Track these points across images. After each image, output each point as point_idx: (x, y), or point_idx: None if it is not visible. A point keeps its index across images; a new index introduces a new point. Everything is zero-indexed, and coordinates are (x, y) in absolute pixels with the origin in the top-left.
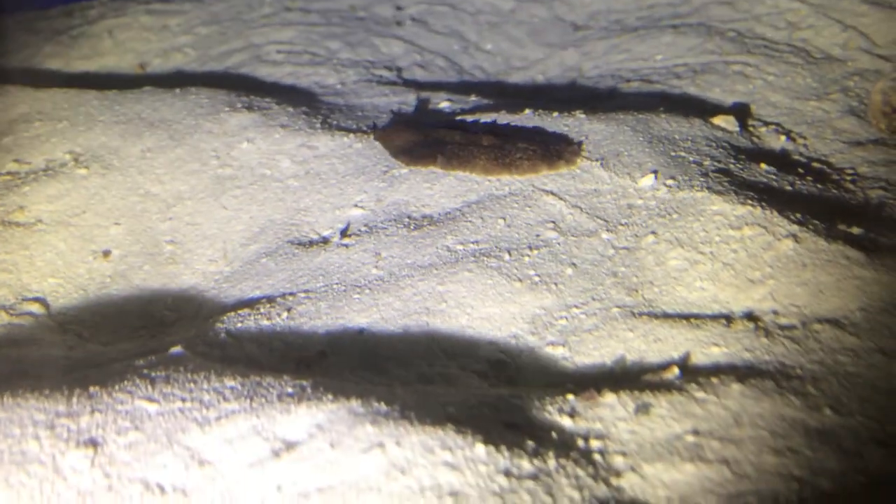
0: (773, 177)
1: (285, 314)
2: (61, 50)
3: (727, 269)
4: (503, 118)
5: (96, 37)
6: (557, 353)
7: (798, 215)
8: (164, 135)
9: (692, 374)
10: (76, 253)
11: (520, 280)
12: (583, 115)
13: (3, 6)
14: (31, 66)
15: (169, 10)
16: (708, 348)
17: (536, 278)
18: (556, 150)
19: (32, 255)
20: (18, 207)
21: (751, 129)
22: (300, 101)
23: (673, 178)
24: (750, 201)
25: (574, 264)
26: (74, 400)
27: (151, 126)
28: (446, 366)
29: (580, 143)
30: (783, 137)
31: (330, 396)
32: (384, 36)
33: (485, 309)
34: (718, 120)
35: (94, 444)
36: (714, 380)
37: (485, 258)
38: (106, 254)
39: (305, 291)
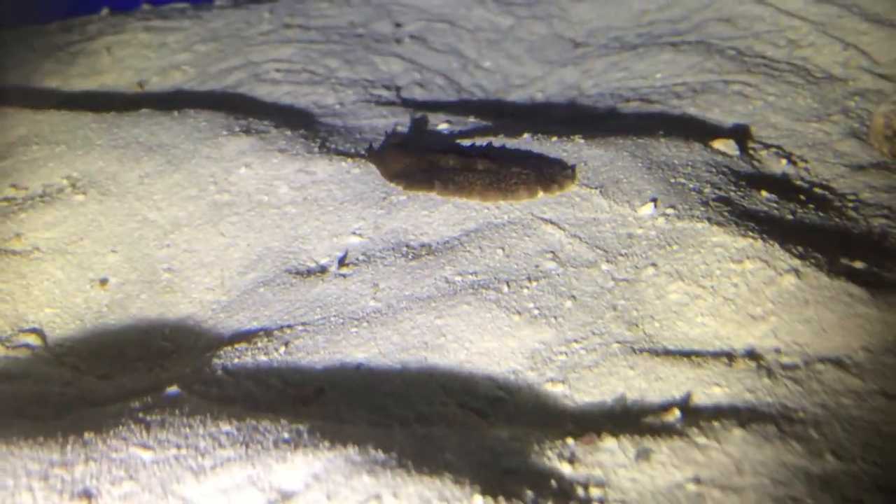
0: (775, 205)
1: (283, 349)
2: (60, 67)
3: (728, 304)
4: (500, 142)
5: (95, 54)
6: (557, 390)
7: (800, 248)
8: (161, 160)
9: (694, 416)
10: (73, 281)
11: (518, 313)
12: (581, 141)
13: (2, 21)
14: (29, 85)
15: (167, 27)
16: (709, 388)
17: (536, 311)
18: (549, 173)
19: (29, 285)
20: (15, 235)
21: (751, 152)
22: (298, 122)
23: (673, 206)
24: (751, 233)
25: (574, 297)
26: (69, 448)
27: (149, 151)
28: (445, 404)
29: (574, 168)
30: (784, 161)
31: (327, 444)
32: (383, 54)
33: (483, 343)
34: (718, 144)
35: (88, 495)
36: (716, 423)
37: (483, 290)
38: (103, 282)
39: (303, 324)
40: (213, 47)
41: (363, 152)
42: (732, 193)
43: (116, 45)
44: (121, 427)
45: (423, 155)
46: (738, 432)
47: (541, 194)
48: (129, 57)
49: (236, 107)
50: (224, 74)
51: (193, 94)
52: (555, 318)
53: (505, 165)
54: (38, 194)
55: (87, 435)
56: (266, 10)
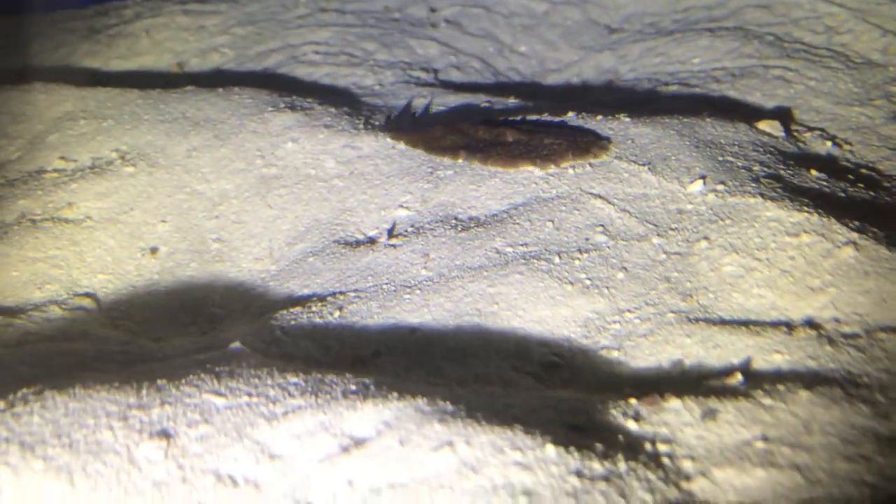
0: (825, 183)
1: (337, 313)
2: (99, 49)
3: (785, 276)
4: (545, 119)
5: (134, 36)
6: (612, 357)
7: (856, 223)
8: (209, 134)
9: (756, 380)
10: (125, 249)
11: (571, 283)
12: (627, 119)
13: (39, 5)
14: (69, 65)
15: (205, 11)
16: (769, 355)
17: (588, 282)
18: (584, 142)
19: (82, 252)
20: (67, 204)
21: (795, 134)
22: (341, 101)
23: (723, 182)
24: (806, 208)
25: (625, 268)
26: (144, 392)
27: (196, 125)
28: (500, 367)
29: (608, 138)
30: (829, 143)
31: (395, 394)
32: (419, 37)
33: (536, 312)
34: (763, 125)
35: (166, 435)
36: (780, 387)
37: (535, 261)
38: (154, 251)
39: (355, 291)
40: (250, 30)
41: (398, 126)
42: (782, 171)
43: (155, 28)
44: (192, 376)
45: (455, 126)
46: (804, 394)
47: (572, 160)
48: (167, 39)
49: (278, 86)
50: (263, 56)
51: (233, 75)
52: (607, 288)
53: (536, 137)
54: (87, 166)
55: (160, 381)
56: None
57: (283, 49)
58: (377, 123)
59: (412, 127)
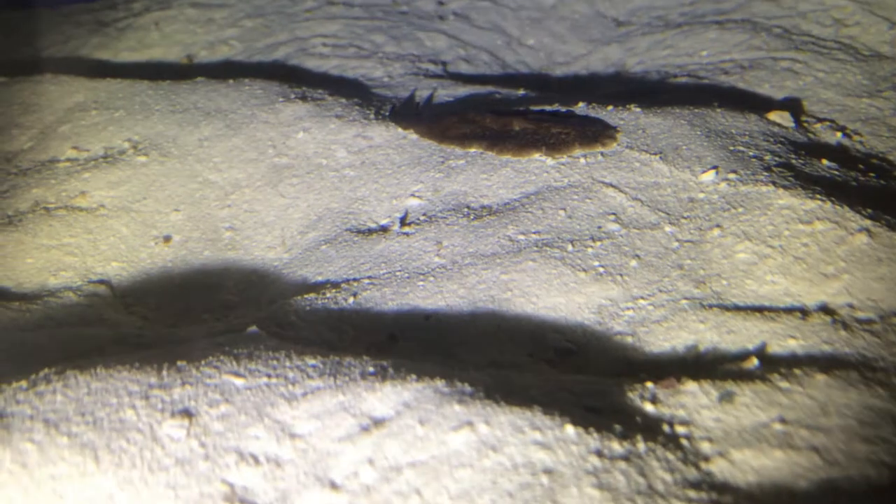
0: (837, 172)
1: (351, 299)
2: (108, 42)
3: (798, 263)
4: (554, 109)
5: (143, 29)
6: (626, 342)
7: (869, 210)
8: (220, 124)
9: (772, 364)
10: (138, 238)
11: (584, 270)
12: (638, 109)
13: (49, 1)
14: (79, 57)
15: (213, 3)
16: (784, 340)
17: (601, 269)
18: (591, 132)
19: (96, 240)
20: (80, 193)
21: (805, 124)
22: (351, 92)
23: (735, 172)
24: (818, 196)
25: (638, 256)
26: (164, 373)
27: (208, 115)
28: (515, 353)
29: (615, 128)
30: (839, 134)
31: (414, 376)
32: (428, 30)
33: (550, 298)
34: (774, 115)
35: (188, 414)
36: (796, 370)
37: (548, 248)
38: (167, 239)
39: (369, 278)
40: (259, 23)
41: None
42: (793, 161)
43: (164, 21)
44: (211, 357)
45: (464, 115)
46: (820, 377)
47: (579, 150)
48: (176, 32)
49: (288, 78)
50: (271, 49)
51: (243, 67)
52: (620, 275)
53: (544, 126)
54: (100, 156)
55: (180, 363)
56: None
57: (292, 41)
58: (387, 114)
59: (422, 117)
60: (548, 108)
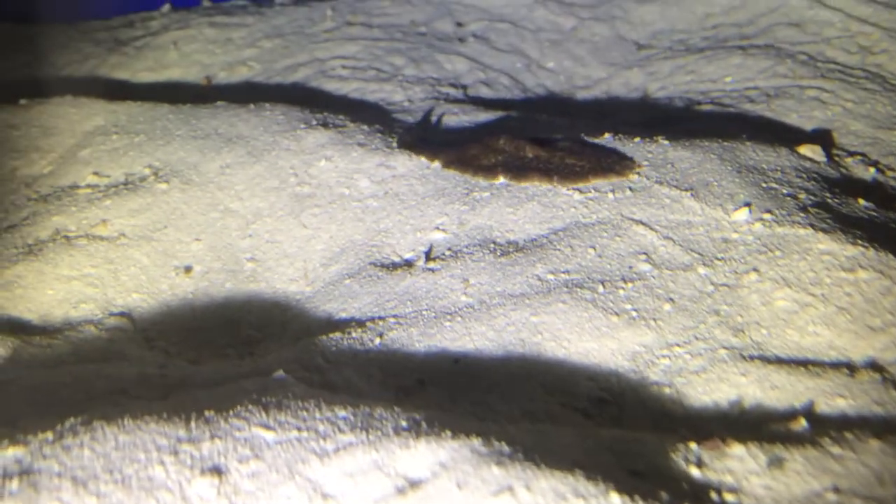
0: (875, 213)
1: (377, 340)
2: (126, 61)
3: (842, 313)
4: (577, 138)
5: (161, 48)
6: (663, 394)
7: None
8: (242, 151)
9: (821, 425)
10: (159, 268)
11: (616, 314)
12: (666, 142)
13: (64, 15)
14: (97, 76)
15: (232, 23)
16: (832, 399)
17: (634, 313)
18: (608, 163)
19: (117, 270)
20: (101, 221)
21: (836, 158)
22: (372, 118)
23: (769, 211)
24: (860, 241)
25: (672, 300)
26: (193, 424)
27: (229, 142)
28: (547, 402)
29: (632, 159)
30: (872, 169)
31: (449, 433)
32: (447, 52)
33: (582, 343)
34: (804, 149)
35: (218, 471)
36: (848, 434)
37: (578, 289)
38: (188, 270)
39: (395, 317)
40: (277, 43)
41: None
42: (829, 200)
43: (182, 41)
44: (239, 406)
45: (485, 143)
46: (874, 443)
47: (594, 181)
48: (195, 52)
49: (307, 102)
50: (290, 70)
51: (262, 89)
52: (654, 320)
53: (557, 155)
54: (120, 182)
55: (208, 413)
56: (328, 8)
57: (311, 63)
58: (409, 140)
59: (441, 145)
60: (571, 137)
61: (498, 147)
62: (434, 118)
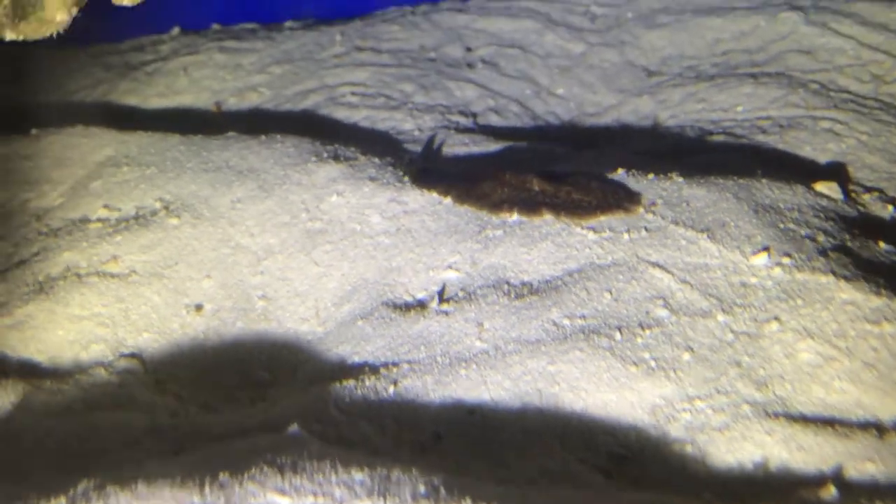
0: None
1: (392, 388)
2: (137, 87)
3: (869, 369)
4: (586, 171)
5: (172, 74)
6: (685, 452)
7: None
8: (253, 185)
9: (850, 493)
10: (170, 307)
11: (635, 364)
12: (680, 179)
13: (74, 39)
14: (109, 102)
15: (242, 48)
16: (862, 464)
17: (652, 362)
18: (615, 199)
19: (128, 309)
20: (112, 257)
21: (853, 195)
22: (383, 149)
23: (788, 255)
24: (884, 291)
25: (691, 348)
26: (207, 490)
27: (240, 175)
28: (566, 459)
29: (639, 194)
30: (890, 207)
31: (468, 499)
32: (457, 79)
33: (600, 395)
34: (821, 186)
35: None
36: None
37: (595, 336)
38: (199, 308)
39: (408, 362)
40: (287, 69)
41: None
42: (849, 243)
43: (193, 66)
44: (254, 469)
45: (496, 176)
46: None
47: (601, 217)
48: (205, 78)
49: (318, 131)
50: (300, 97)
51: (272, 116)
52: (673, 371)
53: (563, 190)
54: (131, 216)
55: (222, 476)
56: (337, 33)
57: (321, 89)
58: (419, 175)
59: (454, 178)
60: (580, 170)
61: (504, 180)
62: (445, 149)
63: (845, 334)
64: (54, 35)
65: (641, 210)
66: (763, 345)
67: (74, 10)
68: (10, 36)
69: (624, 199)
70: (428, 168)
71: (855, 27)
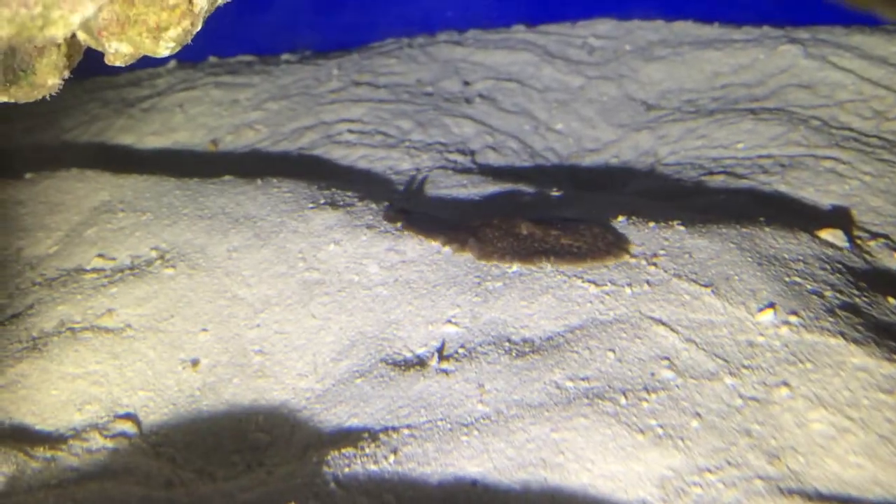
0: None
1: (392, 457)
2: (133, 124)
3: (884, 443)
4: (579, 217)
5: (168, 111)
6: None
7: None
8: (249, 233)
9: None
10: (165, 362)
11: (641, 432)
12: (682, 228)
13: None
14: (104, 141)
15: (238, 83)
16: None
17: (660, 430)
18: (604, 245)
19: (122, 366)
20: (107, 311)
21: (859, 242)
22: (380, 192)
23: (795, 313)
24: None
25: (699, 415)
26: None
27: (236, 223)
28: None
29: (627, 239)
30: None
31: None
32: (454, 115)
33: (606, 465)
34: (826, 234)
35: None
36: None
37: (599, 401)
38: (195, 363)
39: (409, 427)
40: (284, 105)
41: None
42: (857, 300)
43: (189, 102)
44: None
45: (483, 222)
46: None
47: (591, 263)
48: (201, 114)
49: (315, 171)
50: (297, 134)
51: (270, 156)
52: (681, 439)
53: (552, 235)
54: (126, 266)
55: None
56: (334, 67)
57: (318, 126)
58: (415, 223)
59: (450, 224)
60: (574, 216)
61: (493, 224)
62: (441, 191)
63: (858, 404)
64: (47, 97)
65: (627, 257)
66: (773, 412)
67: (66, 73)
68: (1, 99)
69: (613, 245)
70: (407, 210)
71: (855, 61)
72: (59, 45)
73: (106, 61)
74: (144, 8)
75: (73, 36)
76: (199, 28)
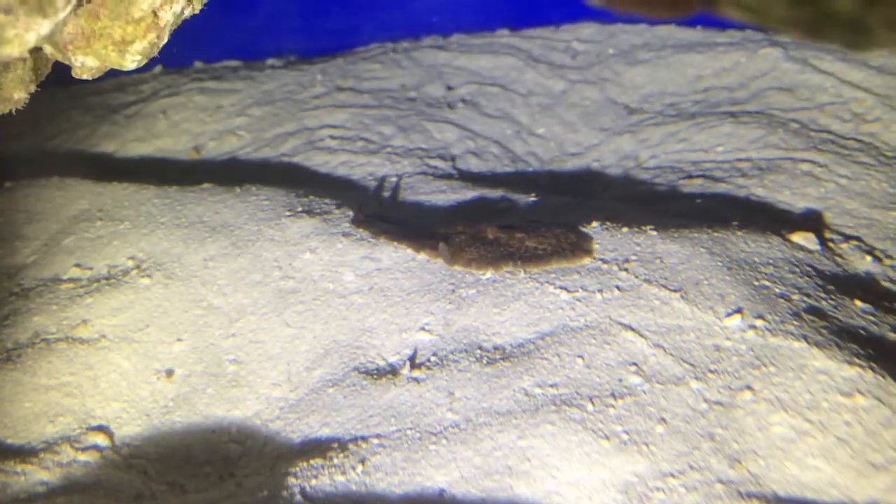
0: (872, 318)
1: (360, 467)
2: (116, 130)
3: (842, 446)
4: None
5: (151, 117)
6: None
7: None
8: (225, 242)
9: None
10: (140, 373)
11: (607, 437)
12: (654, 233)
13: (57, 79)
14: (87, 148)
15: (222, 89)
16: None
17: (625, 436)
18: (569, 245)
19: (97, 376)
20: (82, 321)
21: (831, 244)
22: (358, 199)
23: (761, 317)
24: (857, 360)
25: (664, 420)
26: None
27: (213, 231)
28: None
29: (592, 239)
30: (868, 258)
31: None
32: (436, 120)
33: (572, 472)
34: (798, 237)
35: None
36: None
37: (566, 407)
38: (169, 374)
39: (378, 436)
40: (267, 111)
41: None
42: (824, 303)
43: (172, 109)
44: None
45: (473, 231)
46: None
47: (556, 264)
48: (184, 120)
49: (295, 178)
50: (279, 140)
51: (251, 162)
52: (646, 445)
53: (516, 238)
54: (102, 276)
55: None
56: (318, 72)
57: (300, 132)
58: (390, 230)
59: (428, 230)
60: (545, 221)
61: (459, 230)
62: (419, 196)
63: (818, 406)
64: (13, 111)
65: (588, 258)
66: (736, 416)
67: (32, 87)
68: None
69: (576, 245)
70: (379, 216)
71: (836, 63)
72: (24, 60)
73: (73, 75)
74: (110, 22)
75: (40, 49)
76: (165, 41)
